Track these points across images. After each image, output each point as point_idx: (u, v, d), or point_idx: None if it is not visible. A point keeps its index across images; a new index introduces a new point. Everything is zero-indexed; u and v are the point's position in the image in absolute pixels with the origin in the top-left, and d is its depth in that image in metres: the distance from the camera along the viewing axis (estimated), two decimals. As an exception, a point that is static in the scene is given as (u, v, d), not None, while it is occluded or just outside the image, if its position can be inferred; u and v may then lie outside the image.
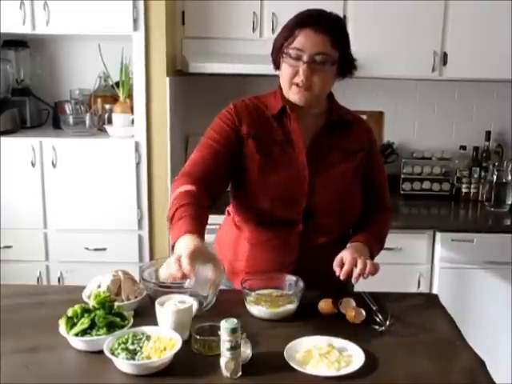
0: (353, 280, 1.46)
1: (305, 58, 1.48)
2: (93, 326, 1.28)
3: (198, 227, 1.33)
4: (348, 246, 1.57)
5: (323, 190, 1.57)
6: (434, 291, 2.65)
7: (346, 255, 1.49)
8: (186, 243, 1.25)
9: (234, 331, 1.16)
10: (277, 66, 1.58)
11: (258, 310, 1.43)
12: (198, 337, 1.25)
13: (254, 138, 1.57)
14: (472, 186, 3.10)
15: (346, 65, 1.56)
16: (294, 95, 1.53)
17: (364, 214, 1.67)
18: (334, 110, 1.63)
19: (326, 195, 1.57)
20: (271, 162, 1.56)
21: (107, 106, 2.89)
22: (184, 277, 1.21)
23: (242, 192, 1.61)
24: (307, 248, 1.60)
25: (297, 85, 1.51)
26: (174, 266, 1.21)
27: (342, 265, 1.47)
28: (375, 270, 1.46)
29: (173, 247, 1.29)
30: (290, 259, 1.60)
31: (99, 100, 2.92)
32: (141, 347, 1.21)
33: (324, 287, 1.54)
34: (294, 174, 1.56)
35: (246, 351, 1.23)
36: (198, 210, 1.38)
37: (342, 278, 1.45)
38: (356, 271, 1.46)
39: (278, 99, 1.59)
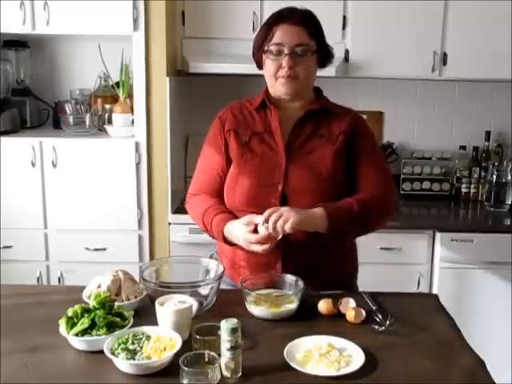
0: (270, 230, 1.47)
1: (286, 50, 1.56)
2: (93, 325, 1.28)
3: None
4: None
5: (298, 175, 1.60)
6: (434, 291, 2.65)
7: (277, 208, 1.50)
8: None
9: (234, 331, 1.16)
10: (260, 66, 1.67)
11: (258, 310, 1.43)
12: (197, 337, 1.25)
13: (234, 131, 1.67)
14: (472, 186, 3.10)
15: (324, 54, 1.64)
16: (281, 87, 1.60)
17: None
18: (318, 101, 1.68)
19: (301, 179, 1.59)
20: (249, 151, 1.64)
21: (107, 106, 2.89)
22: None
23: (228, 181, 1.67)
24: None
25: (282, 77, 1.58)
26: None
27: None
28: (285, 221, 1.45)
29: (224, 239, 1.58)
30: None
31: (99, 100, 2.92)
32: (141, 347, 1.21)
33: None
34: (271, 162, 1.62)
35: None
36: (224, 208, 1.63)
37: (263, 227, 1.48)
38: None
39: (261, 95, 1.68)
